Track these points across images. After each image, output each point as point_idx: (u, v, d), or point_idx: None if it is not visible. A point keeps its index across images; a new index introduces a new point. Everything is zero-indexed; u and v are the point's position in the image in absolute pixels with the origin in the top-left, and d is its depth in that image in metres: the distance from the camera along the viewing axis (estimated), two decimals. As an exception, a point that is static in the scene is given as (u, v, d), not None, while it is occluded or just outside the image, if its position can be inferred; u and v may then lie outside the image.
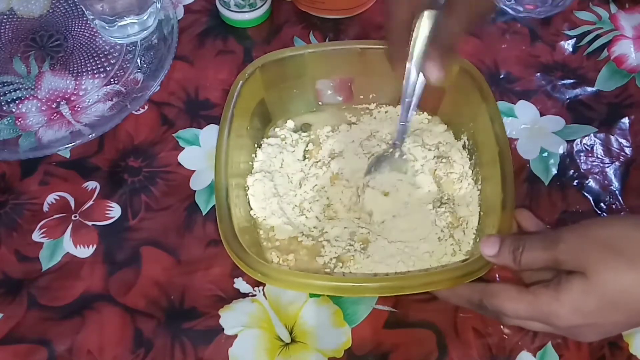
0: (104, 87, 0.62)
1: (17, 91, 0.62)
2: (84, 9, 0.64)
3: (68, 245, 0.53)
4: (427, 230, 0.51)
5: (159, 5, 0.64)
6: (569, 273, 0.41)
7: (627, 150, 0.58)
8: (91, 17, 0.64)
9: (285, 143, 0.57)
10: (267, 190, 0.53)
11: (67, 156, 0.58)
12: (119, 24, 0.62)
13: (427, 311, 0.49)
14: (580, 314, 0.40)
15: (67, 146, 0.56)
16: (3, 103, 0.61)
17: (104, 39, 0.64)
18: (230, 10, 0.65)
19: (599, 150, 0.58)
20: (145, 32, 0.64)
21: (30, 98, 0.61)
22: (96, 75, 0.63)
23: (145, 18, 0.63)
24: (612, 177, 0.56)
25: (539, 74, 0.63)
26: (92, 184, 0.56)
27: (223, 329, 0.49)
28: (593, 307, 0.40)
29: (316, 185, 0.54)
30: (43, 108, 0.60)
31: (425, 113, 0.58)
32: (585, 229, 0.41)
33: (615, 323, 0.41)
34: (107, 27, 0.63)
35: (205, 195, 0.55)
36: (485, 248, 0.44)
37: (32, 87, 0.62)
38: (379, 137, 0.57)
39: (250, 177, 0.54)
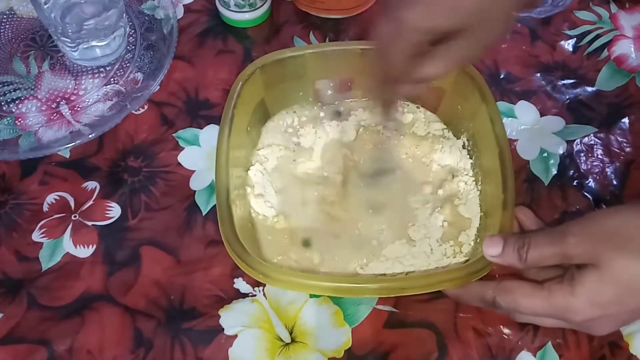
0: (104, 86, 0.62)
1: (17, 91, 0.62)
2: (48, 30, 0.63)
3: (68, 245, 0.53)
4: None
5: (126, 30, 0.63)
6: (579, 267, 0.41)
7: (627, 150, 0.58)
8: (55, 37, 0.62)
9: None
10: (267, 190, 0.53)
11: (67, 156, 0.58)
12: (83, 47, 0.61)
13: (427, 311, 0.49)
14: (597, 306, 0.40)
15: (67, 146, 0.56)
16: (3, 103, 0.61)
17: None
18: (230, 10, 0.65)
19: (599, 150, 0.58)
20: (110, 56, 0.63)
21: (30, 98, 0.61)
22: (96, 75, 0.63)
23: (108, 42, 0.62)
24: (612, 177, 0.56)
25: (539, 74, 0.63)
26: (92, 184, 0.56)
27: (223, 329, 0.49)
28: (609, 297, 0.40)
29: (317, 185, 0.54)
30: (43, 108, 0.60)
31: (424, 112, 0.58)
32: (591, 221, 0.41)
33: (631, 311, 0.41)
34: (70, 50, 0.62)
35: (205, 195, 0.55)
36: (488, 248, 0.44)
37: (32, 87, 0.62)
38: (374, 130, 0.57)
39: (250, 177, 0.54)
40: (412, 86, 0.45)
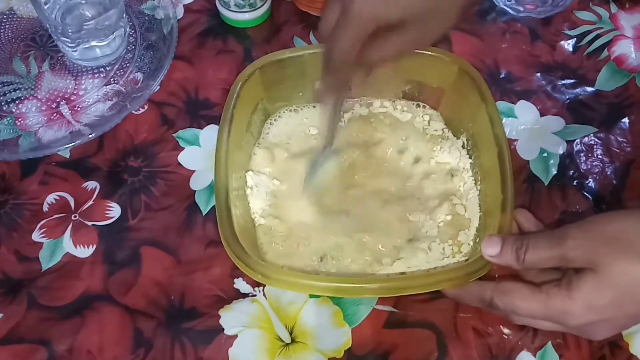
0: (104, 87, 0.62)
1: (17, 91, 0.62)
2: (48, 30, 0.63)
3: (68, 245, 0.53)
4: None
5: (126, 30, 0.63)
6: (578, 271, 0.41)
7: (627, 150, 0.58)
8: (55, 37, 0.62)
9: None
10: (267, 190, 0.53)
11: (67, 156, 0.58)
12: (83, 47, 0.61)
13: (427, 311, 0.49)
14: (594, 311, 0.40)
15: (67, 146, 0.56)
16: (3, 103, 0.61)
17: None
18: (230, 10, 0.65)
19: (599, 150, 0.58)
20: (110, 56, 0.63)
21: (30, 98, 0.61)
22: (96, 75, 0.63)
23: (108, 42, 0.62)
24: (612, 177, 0.56)
25: (539, 74, 0.63)
26: (92, 184, 0.56)
27: (223, 329, 0.49)
28: (606, 302, 0.40)
29: (317, 185, 0.54)
30: (43, 108, 0.60)
31: (424, 109, 0.58)
32: (591, 225, 0.41)
33: (628, 315, 0.41)
34: (70, 50, 0.62)
35: (205, 196, 0.55)
36: (486, 248, 0.44)
37: (32, 87, 0.62)
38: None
39: (250, 178, 0.54)
40: (360, 73, 0.45)
